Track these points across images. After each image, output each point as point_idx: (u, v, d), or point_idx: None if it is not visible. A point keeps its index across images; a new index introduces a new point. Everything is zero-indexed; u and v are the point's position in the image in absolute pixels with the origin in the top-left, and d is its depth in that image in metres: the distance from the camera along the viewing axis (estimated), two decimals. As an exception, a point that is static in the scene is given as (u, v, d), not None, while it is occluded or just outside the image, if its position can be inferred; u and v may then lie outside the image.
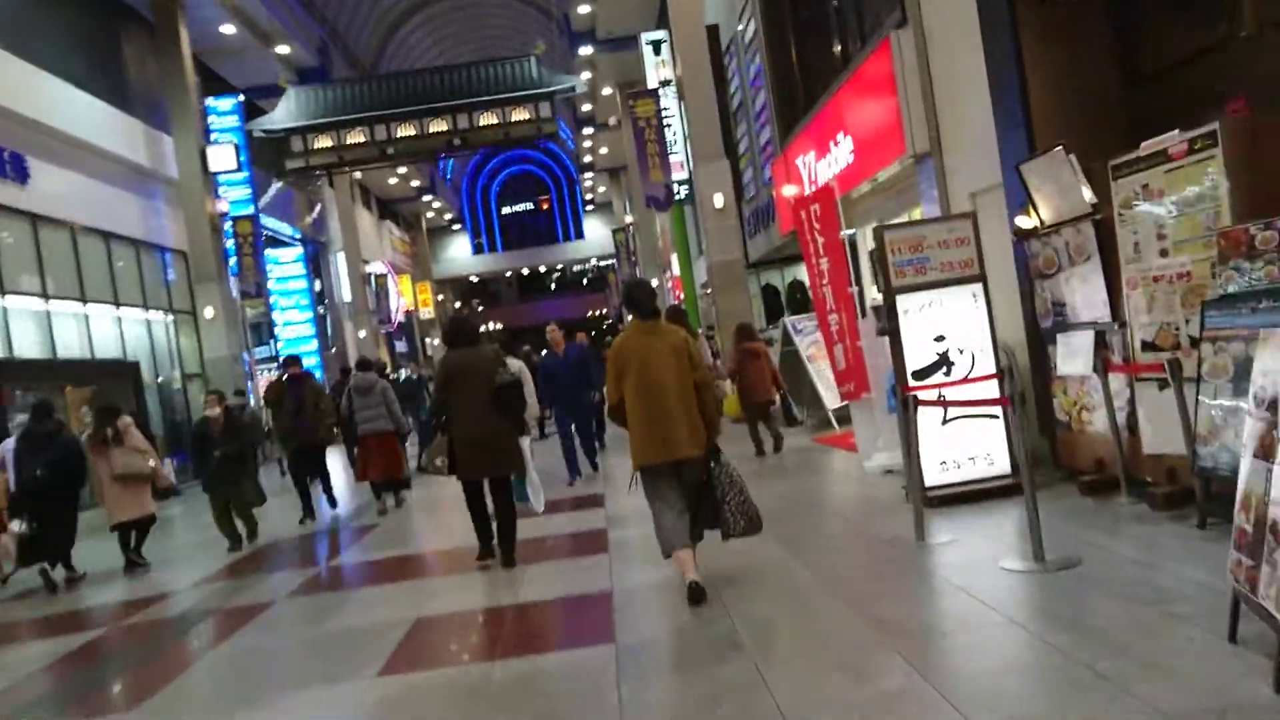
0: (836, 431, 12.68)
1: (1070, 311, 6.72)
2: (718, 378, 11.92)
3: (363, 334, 35.11)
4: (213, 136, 22.72)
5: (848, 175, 10.90)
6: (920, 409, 6.96)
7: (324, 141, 23.29)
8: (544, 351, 12.74)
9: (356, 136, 23.19)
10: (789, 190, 15.10)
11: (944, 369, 7.20)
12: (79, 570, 9.38)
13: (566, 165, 57.78)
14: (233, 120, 24.46)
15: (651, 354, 5.47)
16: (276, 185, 30.26)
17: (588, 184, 50.74)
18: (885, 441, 9.07)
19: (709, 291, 19.53)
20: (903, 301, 7.20)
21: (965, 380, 7.16)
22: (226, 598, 7.64)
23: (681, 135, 22.62)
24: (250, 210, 23.89)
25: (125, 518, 9.23)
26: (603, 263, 59.23)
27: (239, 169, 21.41)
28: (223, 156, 21.04)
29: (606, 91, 32.69)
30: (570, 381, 11.19)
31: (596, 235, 56.86)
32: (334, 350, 33.82)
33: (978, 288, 7.22)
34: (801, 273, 23.33)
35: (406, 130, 23.17)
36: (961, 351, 7.20)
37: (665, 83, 16.48)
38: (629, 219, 40.39)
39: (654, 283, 34.47)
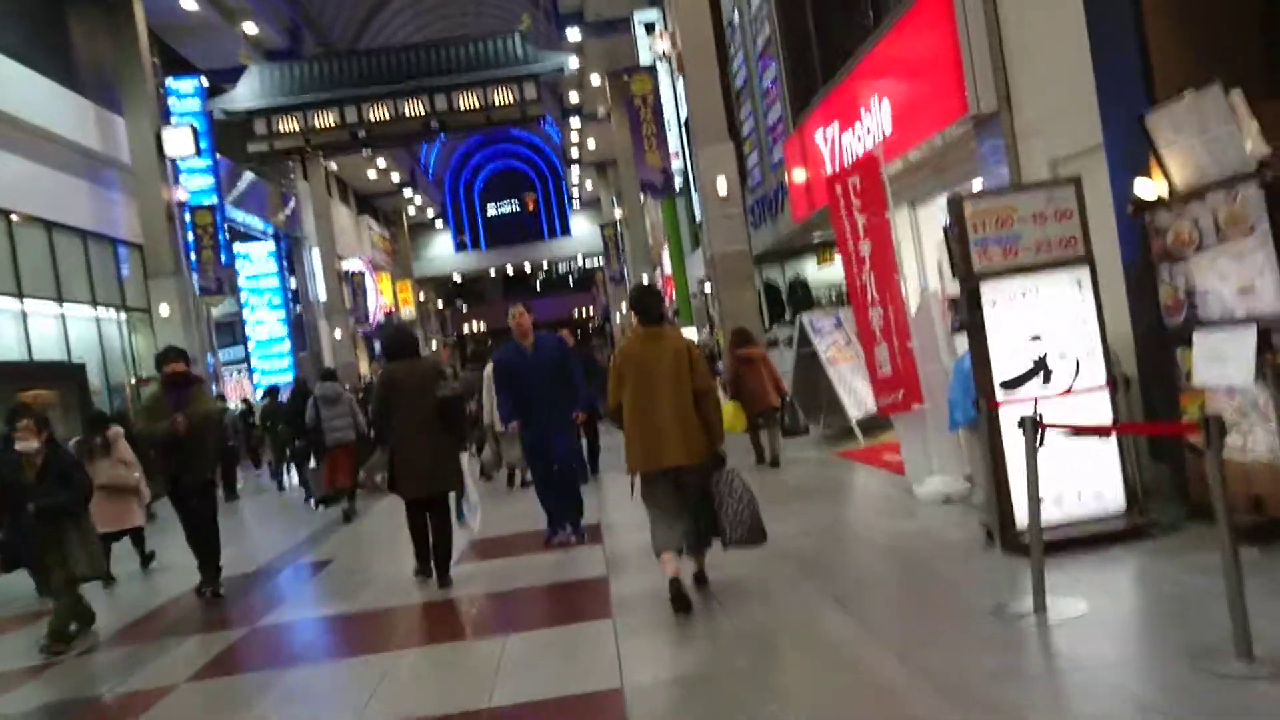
0: (861, 444, 11.13)
1: (1214, 302, 5.17)
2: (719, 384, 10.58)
3: (339, 334, 33.41)
4: (172, 120, 21.04)
5: (885, 147, 9.32)
6: (998, 423, 5.42)
7: (290, 124, 21.54)
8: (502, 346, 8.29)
9: (325, 118, 21.42)
10: (798, 175, 13.56)
11: (1040, 377, 5.64)
12: None
13: (552, 160, 56.13)
14: (194, 104, 22.79)
15: (652, 360, 5.42)
16: (249, 178, 28.68)
17: (574, 179, 49.01)
18: (941, 463, 7.51)
19: (709, 288, 18.02)
20: (988, 290, 5.64)
21: (1068, 393, 5.61)
22: (107, 679, 5.89)
23: (676, 121, 21.04)
24: (212, 200, 22.20)
25: (105, 529, 8.66)
26: (589, 261, 57.62)
27: (198, 154, 19.68)
28: (179, 140, 19.34)
29: (595, 80, 31.06)
30: (543, 388, 7.56)
31: (583, 232, 55.20)
32: (307, 352, 32.14)
33: (1083, 273, 5.66)
34: (806, 269, 21.83)
35: (380, 112, 21.41)
36: (1063, 356, 5.64)
37: (663, 57, 14.90)
38: (618, 214, 38.81)
39: (645, 279, 32.94)
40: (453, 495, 7.12)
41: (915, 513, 7.09)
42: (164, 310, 19.28)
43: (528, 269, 60.58)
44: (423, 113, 21.54)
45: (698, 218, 23.52)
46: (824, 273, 21.10)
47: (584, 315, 60.66)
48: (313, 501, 12.53)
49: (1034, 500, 4.59)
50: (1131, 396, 5.95)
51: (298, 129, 21.38)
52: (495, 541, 8.07)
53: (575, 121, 36.09)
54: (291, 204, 32.13)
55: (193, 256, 21.09)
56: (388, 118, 21.39)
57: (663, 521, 5.48)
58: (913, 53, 8.58)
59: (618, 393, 5.52)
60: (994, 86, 7.35)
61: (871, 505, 7.84)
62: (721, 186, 14.63)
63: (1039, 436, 4.53)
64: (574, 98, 34.09)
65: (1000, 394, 5.62)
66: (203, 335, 23.59)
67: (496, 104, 21.76)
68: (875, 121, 9.55)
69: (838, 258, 20.28)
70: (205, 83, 23.43)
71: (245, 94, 21.79)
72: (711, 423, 5.44)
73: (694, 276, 27.62)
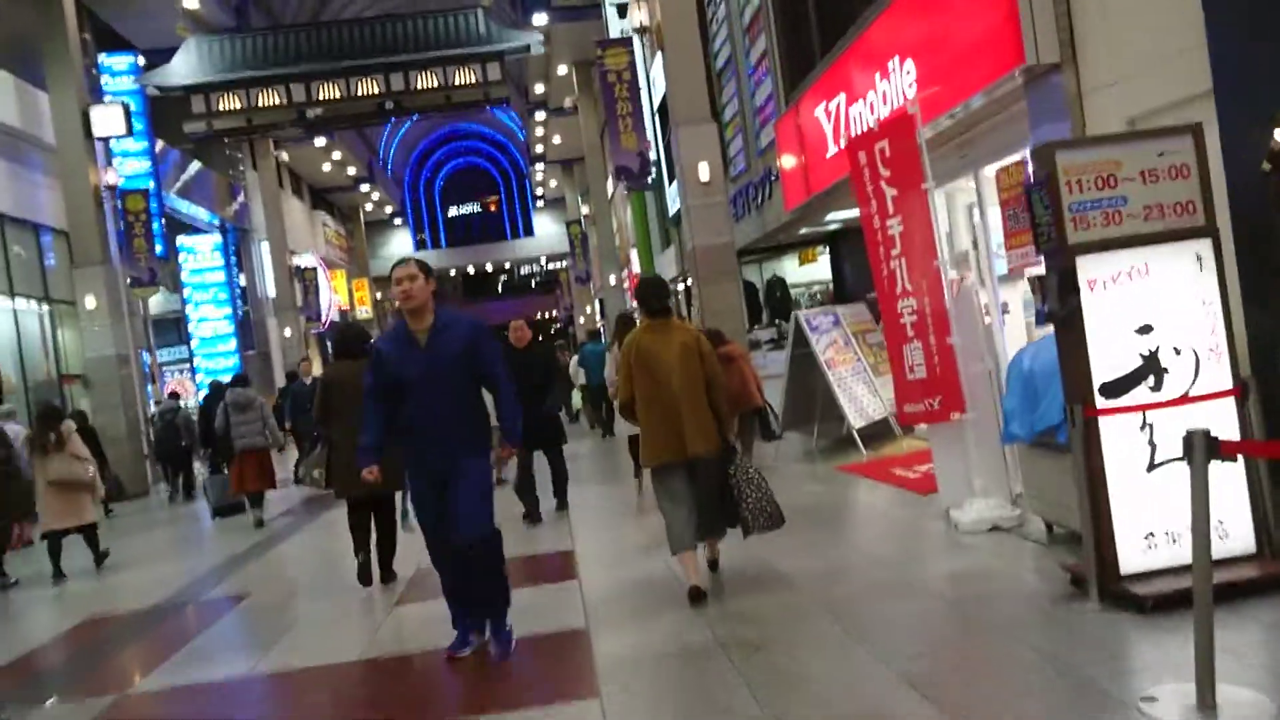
0: (864, 457, 9.89)
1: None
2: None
3: (288, 333, 31.69)
4: (105, 99, 19.37)
5: (907, 116, 8.07)
6: (1097, 437, 4.17)
7: (231, 101, 19.84)
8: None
9: (270, 97, 19.74)
10: (792, 159, 12.30)
11: (1151, 379, 4.39)
12: (10, 577, 9.24)
13: (516, 158, 54.64)
14: (130, 82, 21.12)
15: (662, 351, 5.39)
16: (195, 167, 26.99)
17: (538, 177, 47.49)
18: (985, 484, 6.26)
19: (687, 285, 16.75)
20: (1086, 268, 4.38)
21: (1185, 399, 4.36)
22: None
23: (649, 107, 19.74)
24: (147, 185, 20.54)
25: (58, 525, 9.03)
26: (552, 264, 56.15)
27: (130, 134, 18.02)
28: (109, 119, 17.65)
29: (562, 70, 29.73)
30: (439, 402, 5.34)
31: (547, 232, 53.72)
32: (255, 351, 30.45)
33: (1204, 246, 4.43)
34: (785, 268, 20.63)
35: (330, 91, 19.76)
36: (1179, 351, 4.40)
37: (641, 30, 13.57)
38: (584, 210, 37.48)
39: (612, 279, 31.63)
40: (399, 497, 6.78)
41: (962, 547, 5.81)
42: (90, 302, 17.58)
43: (489, 269, 59.00)
44: (377, 92, 19.90)
45: (670, 211, 22.28)
46: (805, 272, 19.91)
47: (547, 318, 59.18)
48: (210, 511, 12.23)
49: (1201, 544, 3.31)
50: (1250, 405, 4.72)
51: (239, 107, 19.66)
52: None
53: (540, 115, 34.68)
54: (240, 196, 30.43)
55: (131, 246, 19.39)
56: (338, 97, 19.73)
57: (679, 517, 5.40)
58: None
59: (628, 386, 5.48)
60: (1056, 32, 6.11)
61: (904, 536, 6.55)
62: (704, 172, 13.32)
63: (1208, 456, 3.25)
64: (539, 89, 32.70)
65: (1101, 399, 4.36)
66: (136, 331, 21.92)
67: (457, 84, 20.18)
68: (895, 87, 8.29)
69: (821, 256, 19.29)
70: (143, 62, 21.78)
71: (182, 69, 20.10)
72: (722, 412, 5.44)
73: (665, 274, 26.33)
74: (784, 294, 20.50)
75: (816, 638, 4.51)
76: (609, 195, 32.04)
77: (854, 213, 13.46)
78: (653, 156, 21.99)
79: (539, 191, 50.98)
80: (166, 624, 6.83)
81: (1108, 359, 4.37)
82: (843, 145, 9.73)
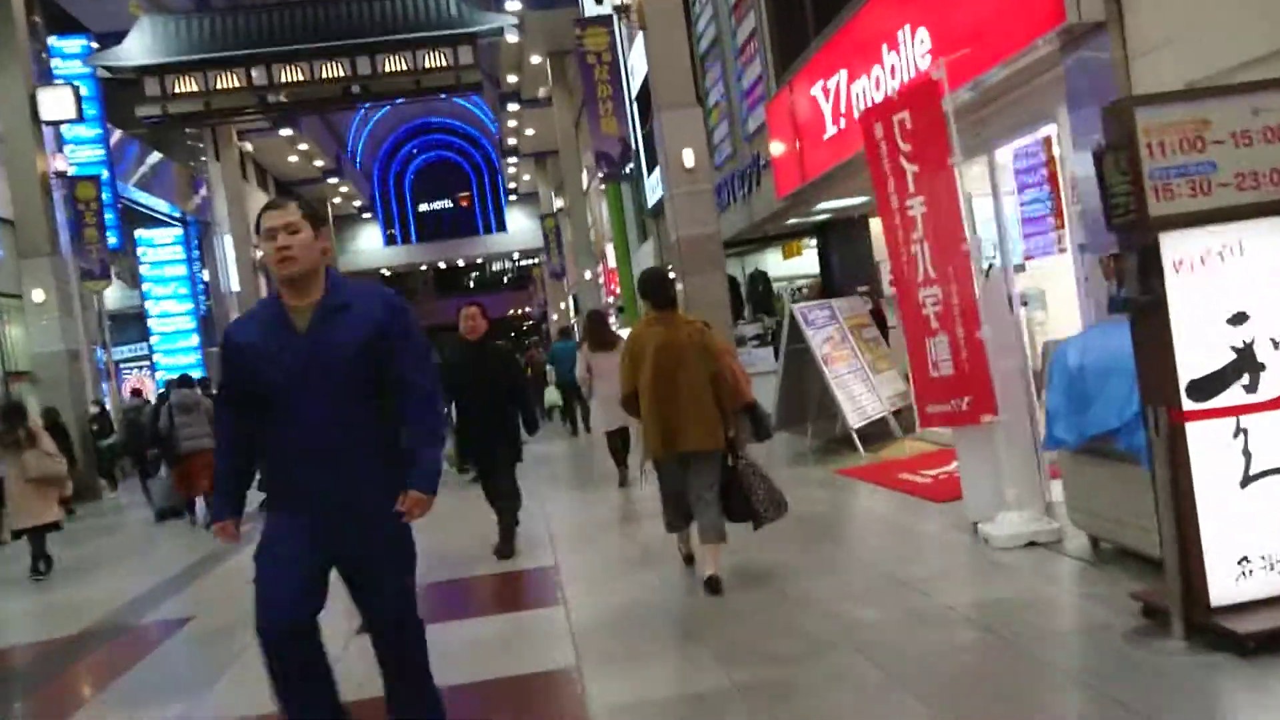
0: (863, 459, 9.25)
1: None
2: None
3: (252, 329, 30.63)
4: (56, 84, 18.37)
5: (931, 82, 7.40)
6: (1184, 445, 3.53)
7: (187, 84, 18.83)
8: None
9: (229, 80, 18.72)
10: (782, 143, 11.63)
11: (1245, 377, 3.73)
12: None
13: (488, 151, 53.71)
14: (81, 66, 20.13)
15: (666, 344, 5.33)
16: (155, 158, 26.01)
17: (511, 171, 46.56)
18: (1020, 494, 5.60)
19: (672, 276, 16.02)
20: (1171, 246, 3.72)
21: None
22: None
23: (626, 94, 19.01)
24: (100, 173, 19.59)
25: (32, 523, 8.89)
26: (525, 261, 55.28)
27: (80, 119, 17.06)
28: (57, 103, 16.69)
29: (535, 60, 28.93)
30: (324, 420, 3.14)
31: (520, 228, 52.77)
32: (218, 347, 29.38)
33: (1305, 222, 3.78)
34: (767, 262, 19.97)
35: (293, 74, 18.76)
36: (1278, 344, 3.75)
37: (621, 9, 12.85)
38: (558, 204, 36.71)
39: (587, 274, 30.88)
40: None
41: (1001, 567, 5.14)
42: (38, 296, 16.62)
43: (461, 264, 58.06)
44: (343, 75, 18.94)
45: (649, 203, 21.56)
46: (789, 266, 19.24)
47: (520, 314, 58.37)
48: (154, 514, 11.94)
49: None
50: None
51: (196, 90, 18.65)
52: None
53: (513, 106, 33.82)
54: (203, 189, 29.42)
55: (82, 236, 18.41)
56: (302, 80, 18.74)
57: (670, 507, 5.55)
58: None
59: (632, 379, 5.43)
60: (1100, -14, 5.47)
61: (929, 552, 5.87)
62: (688, 158, 12.60)
63: (1243, 468, 2.59)
64: (512, 80, 31.85)
65: (1187, 400, 3.70)
66: (90, 326, 20.94)
67: (427, 67, 19.26)
68: (906, 59, 7.62)
69: (807, 250, 18.63)
70: (97, 46, 20.78)
71: (135, 49, 19.07)
72: (727, 407, 5.38)
73: (641, 269, 25.64)
74: (766, 288, 19.83)
75: (851, 681, 3.82)
76: (584, 188, 31.29)
77: (850, 201, 12.87)
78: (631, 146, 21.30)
79: (512, 186, 50.04)
80: (93, 656, 6.03)
81: (1195, 354, 3.71)
82: (842, 126, 9.09)
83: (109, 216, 19.79)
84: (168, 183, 26.98)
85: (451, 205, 56.45)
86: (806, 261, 18.29)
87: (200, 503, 10.80)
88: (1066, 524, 5.33)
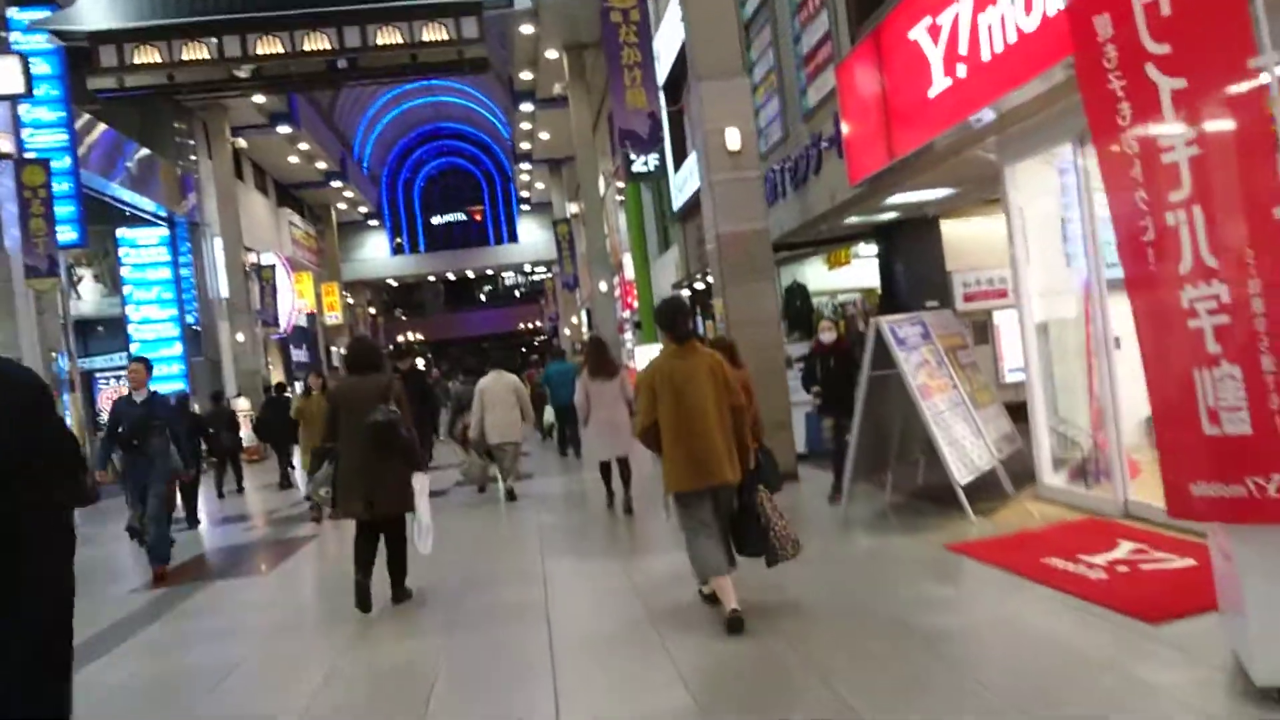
0: (972, 525, 6.88)
1: None
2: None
3: (241, 337, 28.43)
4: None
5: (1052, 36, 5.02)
6: None
7: (148, 54, 16.51)
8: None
9: (196, 50, 16.30)
10: (860, 112, 9.27)
11: None
12: None
13: (500, 158, 51.61)
14: (45, 41, 17.96)
15: (687, 377, 5.31)
16: (139, 151, 23.88)
17: (524, 179, 44.34)
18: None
19: (694, 288, 13.73)
20: None
21: None
22: None
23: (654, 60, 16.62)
24: (61, 158, 17.43)
25: None
26: (538, 271, 53.08)
27: (28, 92, 14.87)
28: (3, 74, 14.53)
29: (551, 55, 26.76)
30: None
31: (532, 238, 50.62)
32: (203, 358, 27.25)
33: None
34: (806, 273, 17.57)
35: (269, 46, 16.41)
36: None
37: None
38: (573, 209, 34.47)
39: (603, 286, 28.54)
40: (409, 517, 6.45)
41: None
42: (-25, 296, 14.49)
43: (471, 276, 55.89)
44: (327, 48, 16.51)
45: (674, 205, 19.22)
46: (832, 278, 16.77)
47: (530, 329, 56.24)
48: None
49: None
50: None
51: (158, 61, 16.31)
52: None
53: (526, 106, 31.67)
54: (192, 188, 27.28)
55: (28, 228, 16.19)
56: (280, 52, 16.41)
57: (707, 541, 5.28)
58: None
59: (651, 412, 5.36)
60: None
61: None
62: (732, 139, 10.28)
63: None
64: (526, 76, 29.68)
65: None
66: (51, 331, 18.77)
67: (425, 40, 16.91)
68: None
69: (858, 260, 16.23)
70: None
71: (90, 12, 16.84)
72: (745, 439, 5.40)
73: (662, 281, 23.30)
74: (805, 303, 17.36)
75: None
76: (601, 193, 29.02)
77: (933, 193, 10.31)
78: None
79: (524, 194, 47.85)
80: None
81: None
82: (961, 75, 6.73)
83: (68, 209, 17.62)
84: (153, 179, 24.88)
85: (465, 219, 54.41)
86: (853, 273, 15.81)
87: None
88: None
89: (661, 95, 16.87)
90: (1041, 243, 7.39)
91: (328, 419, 6.57)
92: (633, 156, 14.20)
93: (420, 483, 6.42)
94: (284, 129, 31.11)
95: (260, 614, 7.18)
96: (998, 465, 7.79)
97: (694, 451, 5.19)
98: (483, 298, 62.30)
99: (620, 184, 27.26)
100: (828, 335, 8.83)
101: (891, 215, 11.64)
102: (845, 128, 9.23)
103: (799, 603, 5.60)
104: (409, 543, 6.48)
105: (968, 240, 12.65)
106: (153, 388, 8.85)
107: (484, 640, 5.58)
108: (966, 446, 7.49)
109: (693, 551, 5.32)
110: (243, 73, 15.95)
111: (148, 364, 8.83)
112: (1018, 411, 8.27)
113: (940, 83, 6.96)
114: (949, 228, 12.49)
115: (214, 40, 16.02)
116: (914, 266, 12.36)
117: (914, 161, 7.81)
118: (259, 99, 28.01)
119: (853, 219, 11.57)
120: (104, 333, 28.06)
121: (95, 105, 20.39)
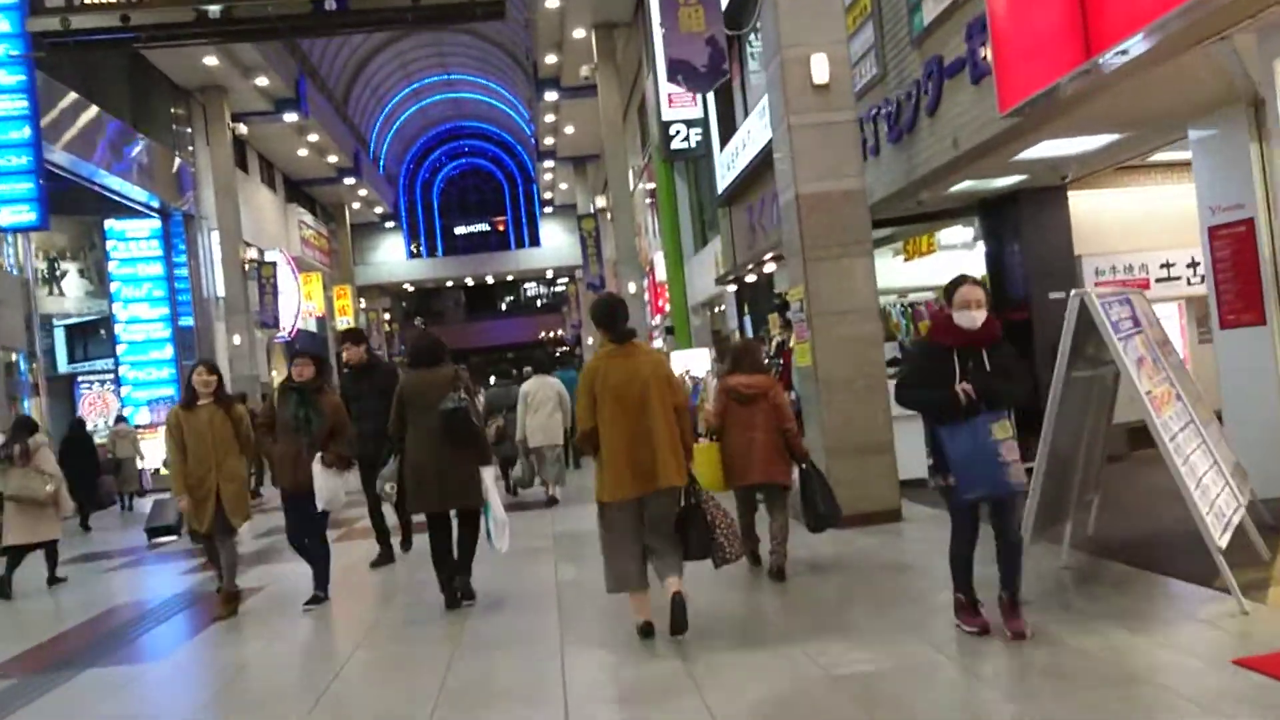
0: (1247, 625, 4.34)
1: None
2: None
3: (238, 340, 26.14)
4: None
5: None
6: None
7: (100, -9, 14.15)
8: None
9: (157, -13, 13.95)
10: (1002, 26, 6.73)
11: None
12: None
13: (522, 158, 49.36)
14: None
15: (629, 378, 5.11)
16: (129, 134, 21.73)
17: (547, 178, 42.02)
18: None
19: (752, 279, 11.18)
20: None
21: None
22: None
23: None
24: (20, 128, 15.20)
25: (15, 541, 8.85)
26: (561, 280, 50.70)
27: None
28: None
29: (579, 34, 24.40)
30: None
31: (555, 242, 48.29)
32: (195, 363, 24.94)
33: None
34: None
35: (243, -14, 13.91)
36: None
37: None
38: (600, 202, 32.03)
39: (631, 287, 25.96)
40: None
41: None
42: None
43: (490, 281, 53.57)
44: (311, -11, 14.11)
45: (720, 186, 16.72)
46: (906, 271, 13.94)
47: (552, 338, 53.90)
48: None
49: None
50: None
51: (111, 0, 13.98)
52: None
53: (551, 95, 29.37)
54: (189, 177, 25.20)
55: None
56: (255, -7, 13.95)
57: (626, 554, 5.12)
58: None
59: (592, 415, 5.17)
60: None
61: None
62: (819, 68, 7.77)
63: None
64: (550, 60, 27.39)
65: None
66: (11, 328, 16.58)
67: (427, -18, 14.36)
68: None
69: (943, 248, 13.63)
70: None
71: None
72: (689, 441, 5.21)
73: (698, 282, 20.82)
74: (871, 302, 14.81)
75: None
76: (631, 189, 26.60)
77: (1096, 141, 7.57)
78: (692, 115, 16.59)
79: (547, 195, 45.54)
80: None
81: None
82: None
83: (24, 185, 15.37)
84: (144, 166, 22.76)
85: (488, 229, 52.26)
86: (932, 267, 13.12)
87: None
88: None
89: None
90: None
91: (395, 412, 6.49)
92: (678, 105, 11.67)
93: (489, 476, 6.43)
94: (291, 116, 28.90)
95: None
96: (1244, 514, 5.24)
97: (635, 457, 5.03)
98: (503, 307, 60.21)
99: (649, 185, 24.90)
100: (970, 315, 5.44)
101: (1013, 180, 9.11)
102: (996, 31, 6.64)
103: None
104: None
105: (1102, 217, 10.12)
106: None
107: None
108: (1210, 488, 4.93)
109: (611, 562, 5.16)
110: (212, 10, 13.46)
111: None
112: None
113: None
114: (1077, 200, 9.96)
115: (175, -34, 13.49)
116: (1033, 249, 9.82)
117: (1121, 66, 5.26)
118: (262, 81, 26.00)
119: (964, 184, 9.04)
120: (90, 333, 26.19)
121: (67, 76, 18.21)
